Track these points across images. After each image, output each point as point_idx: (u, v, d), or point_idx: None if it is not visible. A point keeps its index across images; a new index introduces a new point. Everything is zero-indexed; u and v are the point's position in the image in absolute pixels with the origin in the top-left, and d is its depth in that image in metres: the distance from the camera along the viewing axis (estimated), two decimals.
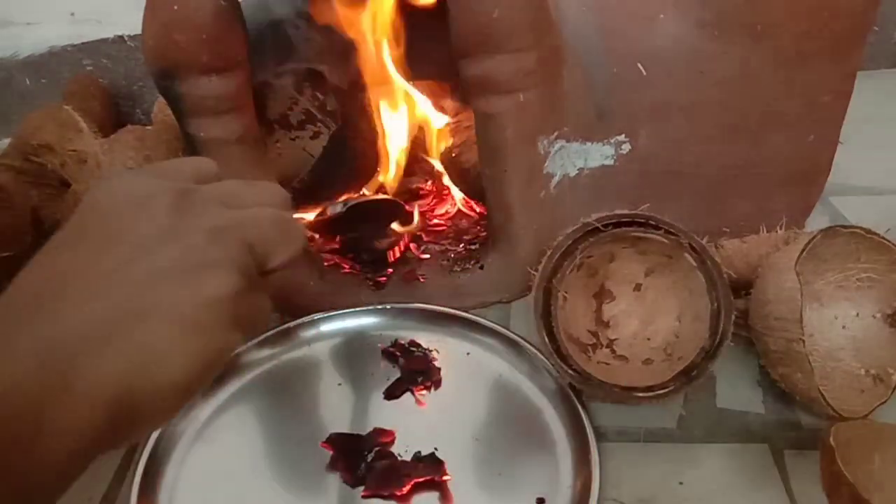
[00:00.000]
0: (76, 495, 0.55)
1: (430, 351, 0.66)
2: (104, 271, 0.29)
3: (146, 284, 0.29)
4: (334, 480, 0.55)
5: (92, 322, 0.27)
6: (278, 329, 0.68)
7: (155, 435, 0.57)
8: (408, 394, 0.62)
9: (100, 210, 0.31)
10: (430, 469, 0.54)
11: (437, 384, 0.63)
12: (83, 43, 1.07)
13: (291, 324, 0.69)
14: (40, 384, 0.25)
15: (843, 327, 0.63)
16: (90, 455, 0.27)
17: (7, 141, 0.92)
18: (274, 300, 0.78)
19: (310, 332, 0.69)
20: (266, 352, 0.67)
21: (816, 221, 0.80)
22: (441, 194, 0.88)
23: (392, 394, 0.62)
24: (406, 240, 0.78)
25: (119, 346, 0.27)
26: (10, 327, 0.26)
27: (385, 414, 0.60)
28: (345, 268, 0.77)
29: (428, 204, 0.87)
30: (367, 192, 0.86)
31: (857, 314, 0.63)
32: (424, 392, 0.62)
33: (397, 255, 0.76)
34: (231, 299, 0.30)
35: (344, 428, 0.59)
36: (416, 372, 0.64)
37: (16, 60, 1.08)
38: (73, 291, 0.28)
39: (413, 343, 0.67)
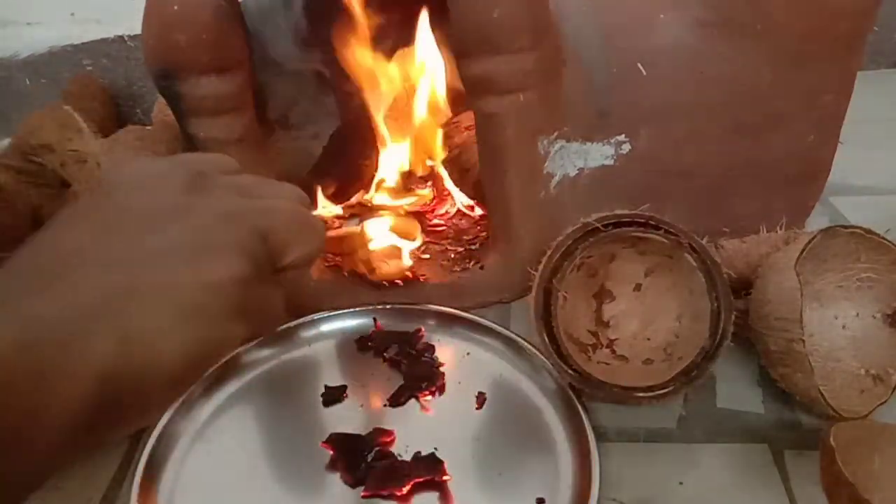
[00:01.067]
0: (75, 495, 0.55)
1: (434, 355, 0.66)
2: (104, 248, 0.27)
3: (146, 263, 0.27)
4: (334, 480, 0.55)
5: (84, 301, 0.25)
6: (278, 329, 0.68)
7: (155, 435, 0.57)
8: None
9: (110, 188, 0.31)
10: (430, 469, 0.54)
11: (442, 389, 0.63)
12: (83, 43, 1.07)
13: (292, 324, 0.69)
14: (23, 365, 0.24)
15: (843, 327, 0.63)
16: (74, 445, 0.26)
17: (7, 141, 0.92)
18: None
19: (310, 333, 0.69)
20: (266, 352, 0.67)
21: (816, 221, 0.80)
22: (441, 195, 0.88)
23: (396, 401, 0.62)
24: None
25: (109, 326, 0.25)
26: None
27: (385, 414, 0.60)
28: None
29: (428, 205, 0.87)
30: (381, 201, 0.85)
31: (857, 314, 0.63)
32: (429, 398, 0.62)
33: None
34: (236, 286, 0.29)
35: (344, 428, 0.59)
36: (419, 377, 0.63)
37: (16, 60, 1.08)
38: (69, 269, 0.26)
39: (423, 346, 0.67)
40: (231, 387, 0.63)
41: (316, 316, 0.70)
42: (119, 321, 0.26)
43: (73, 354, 0.24)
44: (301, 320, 0.69)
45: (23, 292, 0.25)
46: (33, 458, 0.25)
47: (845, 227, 0.58)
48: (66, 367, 0.24)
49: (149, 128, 0.84)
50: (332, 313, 0.70)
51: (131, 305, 0.26)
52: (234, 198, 0.32)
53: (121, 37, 1.07)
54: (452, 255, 0.78)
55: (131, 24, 1.05)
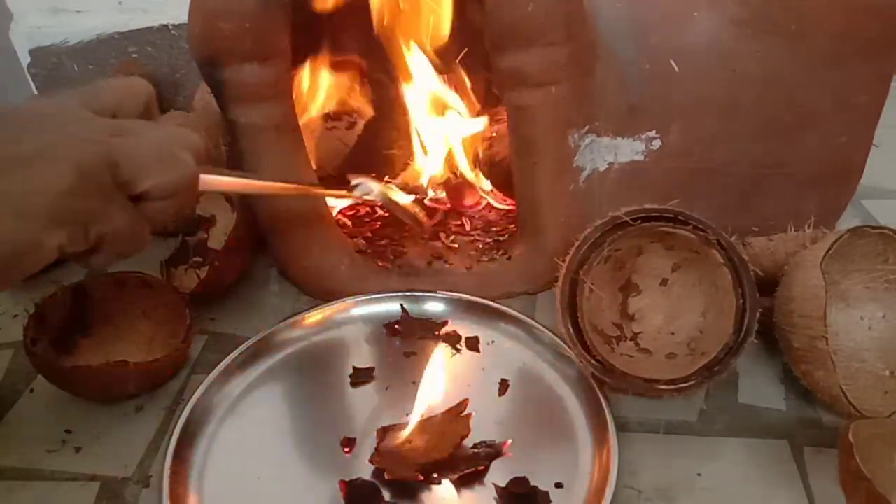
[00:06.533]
0: (112, 461, 0.58)
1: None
2: None
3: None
4: (358, 458, 0.56)
5: None
6: (310, 311, 0.70)
7: (190, 406, 0.59)
8: (432, 380, 0.64)
9: (20, 108, 0.38)
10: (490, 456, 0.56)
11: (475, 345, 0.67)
12: (129, 31, 1.10)
13: (323, 307, 0.71)
14: None
15: (870, 328, 0.63)
16: None
17: None
18: (306, 285, 0.80)
19: (341, 316, 0.71)
20: (298, 333, 0.69)
21: (848, 224, 0.79)
22: (471, 186, 0.89)
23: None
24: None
25: None
26: None
27: (410, 398, 0.62)
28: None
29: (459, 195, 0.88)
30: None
31: (884, 316, 0.63)
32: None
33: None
34: (55, 196, 0.34)
35: (370, 407, 0.61)
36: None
37: (65, 47, 1.11)
38: None
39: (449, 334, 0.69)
40: (264, 364, 0.66)
41: (347, 300, 0.72)
42: None
43: None
44: (332, 304, 0.71)
45: None
46: None
47: (874, 227, 0.58)
48: None
49: (190, 113, 0.87)
50: (362, 298, 0.72)
51: None
52: (102, 130, 0.37)
53: (165, 26, 1.10)
54: (480, 246, 0.79)
55: (176, 13, 1.08)
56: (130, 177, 0.38)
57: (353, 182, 0.70)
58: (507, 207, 0.86)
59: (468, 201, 0.87)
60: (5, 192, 0.33)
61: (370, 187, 0.71)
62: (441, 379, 0.61)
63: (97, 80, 0.44)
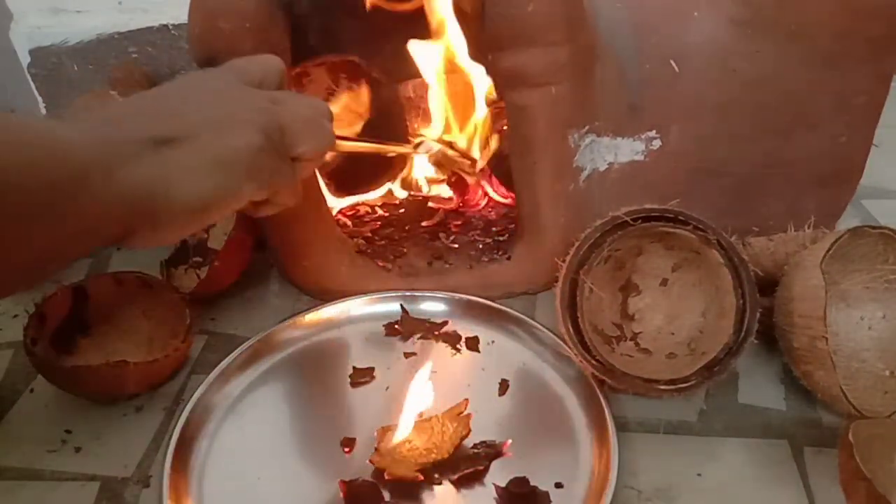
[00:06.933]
0: (112, 461, 0.58)
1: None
2: (167, 110, 0.41)
3: (193, 125, 0.40)
4: (356, 458, 0.56)
5: (143, 136, 0.37)
6: (310, 312, 0.70)
7: (190, 406, 0.59)
8: (432, 381, 0.64)
9: (187, 78, 0.45)
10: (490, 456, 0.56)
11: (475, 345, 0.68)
12: (129, 31, 1.10)
13: (323, 307, 0.71)
14: (95, 160, 0.35)
15: (870, 328, 0.63)
16: (103, 236, 0.36)
17: None
18: (306, 285, 0.80)
19: (341, 316, 0.71)
20: (298, 333, 0.69)
21: (848, 224, 0.79)
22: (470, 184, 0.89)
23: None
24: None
25: (156, 159, 0.37)
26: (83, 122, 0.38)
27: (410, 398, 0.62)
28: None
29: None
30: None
31: (884, 316, 0.63)
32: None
33: None
34: (251, 153, 0.41)
35: (369, 407, 0.61)
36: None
37: (65, 47, 1.11)
38: (141, 116, 0.40)
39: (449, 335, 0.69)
40: (264, 364, 0.66)
41: (347, 300, 0.72)
42: (163, 158, 0.38)
43: (125, 169, 0.36)
44: (332, 304, 0.71)
45: (119, 118, 0.39)
46: (74, 237, 0.35)
47: (874, 227, 0.58)
48: (117, 176, 0.35)
49: None
50: (362, 298, 0.72)
51: (174, 149, 0.38)
52: (264, 99, 0.44)
53: (165, 25, 1.09)
54: (480, 246, 0.79)
55: (176, 13, 1.08)
56: (291, 140, 0.44)
57: (416, 141, 0.78)
58: (508, 202, 0.86)
59: (469, 198, 0.87)
60: (205, 144, 0.39)
61: (430, 145, 0.78)
62: (429, 386, 0.60)
63: (236, 59, 0.49)
